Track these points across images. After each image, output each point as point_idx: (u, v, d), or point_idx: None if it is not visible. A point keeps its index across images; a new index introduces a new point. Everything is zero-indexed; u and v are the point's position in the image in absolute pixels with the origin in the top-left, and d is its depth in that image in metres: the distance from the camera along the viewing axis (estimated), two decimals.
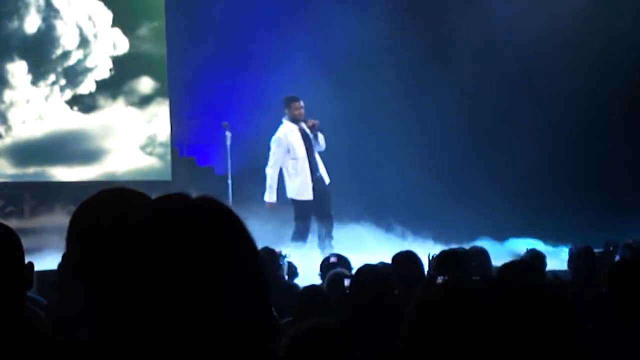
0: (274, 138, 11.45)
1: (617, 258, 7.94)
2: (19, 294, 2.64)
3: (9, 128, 13.01)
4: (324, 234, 11.37)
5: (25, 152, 13.06)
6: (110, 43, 13.54)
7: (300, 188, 11.40)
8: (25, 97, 13.11)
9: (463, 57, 13.78)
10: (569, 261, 7.52)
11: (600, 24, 13.45)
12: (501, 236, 12.02)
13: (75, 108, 13.35)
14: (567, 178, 13.46)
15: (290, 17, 13.77)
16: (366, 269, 5.23)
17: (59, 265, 2.33)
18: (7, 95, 13.02)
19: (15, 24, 13.07)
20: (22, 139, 13.06)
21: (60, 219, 10.13)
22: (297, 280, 7.95)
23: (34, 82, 13.16)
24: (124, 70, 13.60)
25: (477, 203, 12.62)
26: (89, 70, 13.44)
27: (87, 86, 13.42)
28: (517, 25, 13.47)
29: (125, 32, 13.61)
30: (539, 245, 10.71)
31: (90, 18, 13.43)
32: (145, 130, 13.70)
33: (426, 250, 6.89)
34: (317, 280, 7.05)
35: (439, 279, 5.47)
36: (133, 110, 13.65)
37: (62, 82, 13.31)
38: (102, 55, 13.49)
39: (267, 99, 12.40)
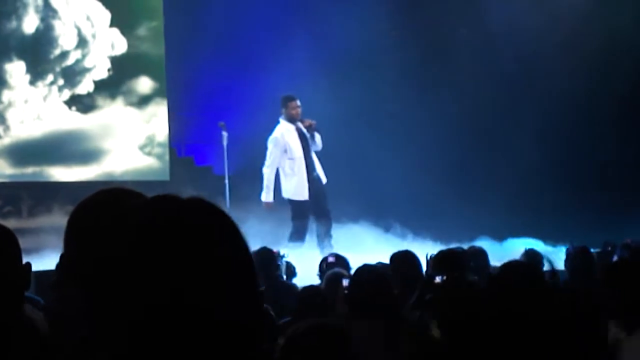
0: (271, 138, 11.45)
1: (615, 258, 7.95)
2: (17, 294, 2.64)
3: (7, 128, 13.00)
4: (322, 234, 11.37)
5: (24, 152, 13.05)
6: (108, 43, 13.54)
7: (297, 188, 11.40)
8: (24, 97, 13.10)
9: (463, 57, 13.78)
10: (566, 261, 7.53)
11: (600, 24, 13.45)
12: (501, 236, 12.02)
13: (74, 108, 13.34)
14: (567, 178, 13.46)
15: (289, 17, 13.77)
16: (365, 269, 5.23)
17: (57, 266, 2.33)
18: (6, 95, 13.01)
19: (13, 24, 13.06)
20: (21, 139, 13.06)
21: (59, 219, 10.12)
22: (296, 280, 7.95)
23: (33, 82, 13.15)
24: (123, 71, 13.60)
25: (477, 203, 12.62)
26: (87, 70, 13.44)
27: (85, 86, 13.42)
28: (517, 25, 13.47)
29: (123, 32, 13.61)
30: (538, 245, 10.71)
31: (88, 18, 13.43)
32: (143, 130, 13.70)
33: (426, 250, 6.89)
34: (316, 280, 7.05)
35: (437, 279, 5.47)
36: (131, 111, 13.65)
37: (61, 82, 13.30)
38: (100, 55, 13.49)
39: (265, 99, 12.40)
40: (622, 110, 13.59)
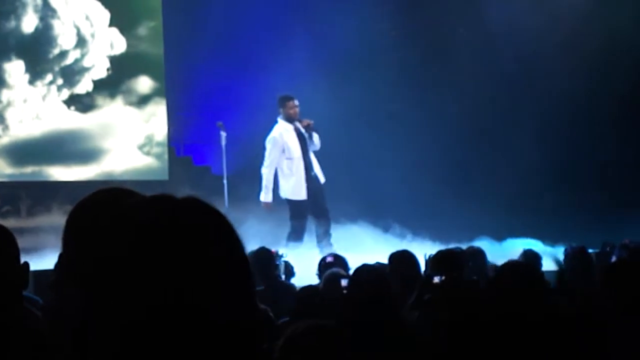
0: (269, 138, 11.44)
1: (613, 259, 7.94)
2: (15, 294, 2.64)
3: (6, 127, 13.00)
4: (321, 233, 11.37)
5: (23, 152, 13.05)
6: (107, 43, 13.54)
7: (295, 188, 11.39)
8: (23, 96, 13.10)
9: (463, 57, 13.78)
10: (564, 261, 7.53)
11: (600, 24, 13.45)
12: (500, 236, 12.02)
13: (73, 108, 13.34)
14: (566, 178, 13.47)
15: (289, 16, 13.77)
16: (364, 269, 5.23)
17: (56, 265, 2.33)
18: (5, 94, 13.01)
19: (12, 23, 13.06)
20: (20, 139, 13.05)
21: (58, 219, 10.11)
22: (294, 280, 7.94)
23: (32, 82, 13.15)
24: (122, 70, 13.60)
25: (476, 203, 12.62)
26: (87, 69, 13.43)
27: (84, 86, 13.42)
28: (517, 25, 13.47)
29: (122, 32, 13.61)
30: (537, 245, 10.71)
31: (87, 18, 13.43)
32: (142, 129, 13.70)
33: (425, 251, 6.90)
34: (315, 280, 7.05)
35: (436, 279, 5.48)
36: (130, 110, 13.65)
37: (60, 81, 13.30)
38: (99, 54, 13.49)
39: (264, 99, 12.39)
40: (621, 110, 13.59)
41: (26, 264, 2.70)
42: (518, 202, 12.98)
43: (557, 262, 7.51)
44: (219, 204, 11.62)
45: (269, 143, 11.42)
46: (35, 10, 13.16)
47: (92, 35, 13.46)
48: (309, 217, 11.55)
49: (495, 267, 5.90)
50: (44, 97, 13.21)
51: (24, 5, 13.09)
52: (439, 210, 12.50)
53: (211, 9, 13.52)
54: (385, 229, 12.11)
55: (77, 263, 2.06)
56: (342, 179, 12.21)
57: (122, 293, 1.32)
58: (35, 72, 13.17)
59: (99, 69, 13.49)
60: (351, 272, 5.73)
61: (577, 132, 13.55)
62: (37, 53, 13.19)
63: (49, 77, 13.25)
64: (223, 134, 11.77)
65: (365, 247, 10.79)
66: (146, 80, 13.77)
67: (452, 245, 8.55)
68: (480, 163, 13.56)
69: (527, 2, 13.88)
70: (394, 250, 6.78)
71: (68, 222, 2.26)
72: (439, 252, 6.37)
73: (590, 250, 8.10)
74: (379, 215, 12.26)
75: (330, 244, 11.17)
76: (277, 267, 7.52)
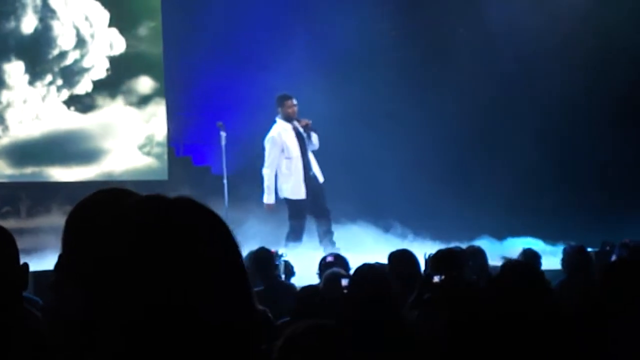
0: (268, 137, 11.43)
1: (613, 257, 7.94)
2: (15, 295, 2.64)
3: (6, 128, 13.00)
4: (323, 231, 11.36)
5: (23, 152, 13.05)
6: (107, 43, 13.54)
7: (294, 187, 11.39)
8: (23, 97, 13.10)
9: (462, 57, 13.77)
10: (563, 260, 7.54)
11: (599, 23, 13.44)
12: (500, 236, 12.02)
13: (72, 108, 13.34)
14: (566, 178, 13.47)
15: (288, 16, 13.77)
16: (364, 268, 5.23)
17: (56, 266, 2.32)
18: (4, 95, 13.01)
19: (12, 24, 13.06)
20: (19, 139, 13.06)
21: (57, 219, 10.10)
22: (294, 280, 7.95)
23: (31, 82, 13.15)
24: (121, 70, 13.59)
25: (477, 203, 12.63)
26: (86, 70, 13.43)
27: (84, 86, 13.42)
28: (516, 25, 13.46)
29: (122, 32, 13.61)
30: (538, 244, 10.71)
31: (87, 18, 13.43)
32: (142, 130, 13.70)
33: (426, 250, 6.89)
34: (315, 280, 7.05)
35: (436, 278, 5.47)
36: (130, 110, 13.65)
37: (59, 82, 13.30)
38: (99, 55, 13.49)
39: (264, 98, 12.38)
40: (621, 110, 13.58)
41: (26, 265, 2.70)
42: (518, 202, 12.98)
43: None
44: (219, 204, 11.63)
45: (267, 143, 11.41)
46: (35, 11, 13.16)
47: (92, 36, 13.46)
48: (310, 216, 11.55)
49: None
50: (43, 98, 13.21)
51: (23, 6, 13.09)
52: (440, 210, 12.49)
53: (211, 9, 13.51)
54: (386, 229, 12.12)
55: (76, 263, 2.06)
56: (342, 179, 12.21)
57: (118, 293, 1.32)
58: (35, 73, 13.17)
59: (99, 69, 13.49)
60: (352, 271, 5.73)
61: (577, 131, 13.55)
62: (37, 54, 13.19)
63: (49, 77, 13.25)
64: (223, 134, 11.76)
65: (365, 247, 10.79)
66: (146, 81, 13.77)
67: (452, 245, 8.56)
68: (480, 162, 13.55)
69: (526, 2, 13.88)
70: (394, 250, 6.78)
71: (67, 222, 2.26)
72: (439, 252, 6.37)
73: (590, 250, 8.11)
74: (380, 215, 12.26)
75: (333, 242, 11.19)
76: (276, 267, 7.52)
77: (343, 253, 8.13)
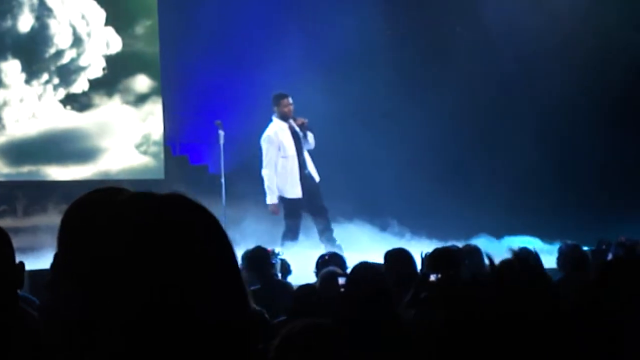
0: (264, 136, 11.41)
1: (610, 256, 7.95)
2: (10, 294, 2.63)
3: (2, 127, 12.99)
4: (322, 229, 11.36)
5: (19, 151, 13.04)
6: (103, 42, 13.53)
7: (290, 186, 11.38)
8: (19, 96, 13.08)
9: (460, 56, 13.76)
10: (558, 259, 7.54)
11: (599, 23, 13.44)
12: (498, 234, 12.02)
13: (69, 107, 13.33)
14: (565, 177, 13.47)
15: (284, 15, 13.75)
16: (361, 267, 5.23)
17: (52, 265, 2.32)
18: (1, 94, 13.00)
19: (8, 23, 13.04)
20: (16, 138, 13.04)
21: (54, 218, 10.10)
22: (291, 278, 7.95)
23: (28, 81, 13.13)
24: (118, 69, 13.58)
25: (474, 201, 12.63)
26: (83, 69, 13.42)
27: (80, 85, 13.41)
28: (516, 25, 13.45)
29: (118, 31, 13.59)
30: (536, 243, 10.71)
31: (83, 17, 13.41)
32: (139, 129, 13.69)
33: (423, 249, 6.89)
34: (312, 278, 7.05)
35: (432, 277, 5.48)
36: (127, 109, 13.64)
37: (56, 81, 13.29)
38: (95, 54, 13.48)
39: (260, 97, 12.37)
40: (620, 110, 13.58)
41: (21, 264, 2.69)
42: (516, 201, 12.98)
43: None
44: (216, 203, 11.61)
45: (264, 142, 11.40)
46: (31, 10, 13.14)
47: (88, 35, 13.45)
48: (307, 215, 11.55)
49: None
50: (40, 97, 13.20)
51: (20, 5, 13.08)
52: (437, 208, 12.50)
53: (206, 8, 13.50)
54: (384, 228, 12.12)
55: (72, 263, 2.06)
56: (340, 178, 12.21)
57: (113, 292, 1.32)
58: (31, 72, 13.15)
59: (95, 68, 13.48)
60: (348, 270, 5.73)
61: (576, 131, 13.55)
62: (33, 52, 13.17)
63: (45, 76, 13.24)
64: (221, 133, 11.74)
65: (362, 245, 10.79)
66: (142, 79, 13.76)
67: (450, 244, 8.56)
68: (478, 162, 13.55)
69: (526, 2, 13.88)
70: (391, 249, 6.78)
71: (63, 221, 2.26)
72: (436, 250, 6.38)
73: (586, 248, 8.11)
74: (377, 214, 12.26)
75: (334, 239, 11.20)
76: (273, 265, 7.52)
77: (339, 251, 8.14)
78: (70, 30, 13.35)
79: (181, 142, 14.35)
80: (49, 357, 2.34)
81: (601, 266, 4.60)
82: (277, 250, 8.13)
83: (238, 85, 13.54)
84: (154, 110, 13.78)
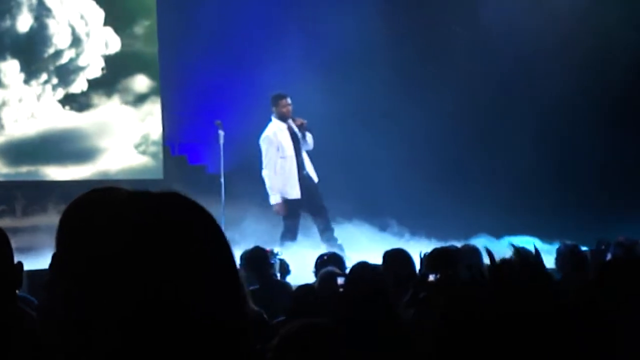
0: (263, 137, 11.42)
1: (609, 256, 7.95)
2: (9, 293, 2.63)
3: (1, 127, 12.98)
4: (322, 229, 11.37)
5: (18, 151, 13.03)
6: (102, 42, 13.52)
7: (288, 187, 11.38)
8: (18, 96, 13.08)
9: (459, 56, 13.76)
10: (556, 259, 7.54)
11: (598, 23, 13.43)
12: (497, 234, 12.02)
13: (68, 107, 13.33)
14: (564, 177, 13.46)
15: (283, 14, 13.75)
16: (360, 267, 5.23)
17: (50, 265, 2.32)
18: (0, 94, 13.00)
19: (7, 22, 13.04)
20: (15, 138, 13.04)
21: (53, 218, 10.07)
22: (290, 278, 7.95)
23: (26, 81, 13.13)
24: (116, 69, 13.58)
25: (474, 201, 12.62)
26: (81, 69, 13.42)
27: (79, 85, 13.40)
28: (515, 24, 13.45)
29: (117, 31, 13.59)
30: (536, 243, 10.70)
31: (82, 17, 13.41)
32: (138, 129, 13.69)
33: (422, 249, 6.89)
34: (311, 277, 7.05)
35: (431, 277, 5.48)
36: (126, 109, 13.64)
37: (55, 80, 13.28)
38: (94, 54, 13.47)
39: (259, 97, 12.37)
40: (619, 110, 13.58)
41: (20, 264, 2.69)
42: (516, 201, 12.98)
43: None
44: (215, 203, 11.61)
45: (263, 143, 11.40)
46: (30, 10, 13.14)
47: (87, 35, 13.44)
48: (307, 216, 11.55)
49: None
50: (39, 97, 13.20)
51: (18, 5, 13.07)
52: (437, 208, 12.49)
53: (205, 8, 13.49)
54: (383, 228, 12.12)
55: (70, 262, 2.06)
56: (339, 178, 12.20)
57: (109, 291, 1.32)
58: (30, 72, 13.15)
59: (94, 68, 13.47)
60: (347, 270, 5.73)
61: (575, 131, 13.54)
62: (32, 52, 13.17)
63: (44, 76, 13.23)
64: (221, 133, 11.73)
65: (361, 245, 10.79)
66: (142, 79, 13.76)
67: (450, 244, 8.56)
68: (478, 162, 13.55)
69: (525, 2, 13.87)
70: (389, 249, 6.78)
71: (61, 221, 2.26)
72: (434, 250, 6.38)
73: (584, 248, 8.10)
74: (376, 214, 12.26)
75: (335, 238, 11.21)
76: (272, 265, 7.52)
77: (339, 251, 8.14)
78: (69, 30, 13.35)
79: (180, 142, 14.35)
80: (48, 357, 2.34)
81: (600, 266, 4.60)
82: (275, 250, 8.14)
83: (237, 85, 13.53)
84: (153, 110, 13.78)
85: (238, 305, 1.37)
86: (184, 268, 1.33)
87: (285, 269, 8.14)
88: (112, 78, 13.56)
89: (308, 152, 11.61)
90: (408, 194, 12.67)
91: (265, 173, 11.37)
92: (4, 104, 13.00)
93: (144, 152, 13.68)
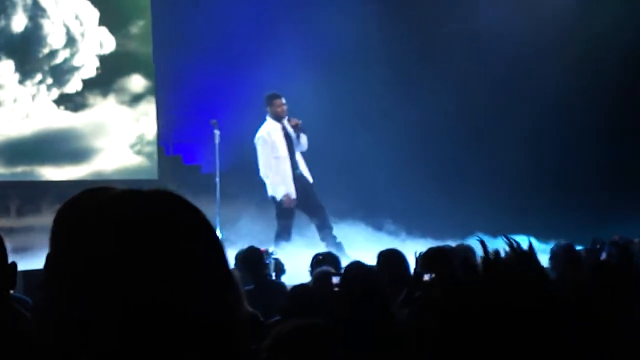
0: (257, 137, 11.42)
1: (603, 255, 7.96)
2: (3, 294, 2.63)
3: None
4: (320, 228, 11.37)
5: (13, 151, 13.02)
6: (97, 42, 13.51)
7: (282, 186, 11.37)
8: (12, 96, 13.06)
9: (456, 56, 13.77)
10: (550, 259, 7.54)
11: (593, 23, 13.45)
12: (494, 234, 11.98)
13: (62, 107, 13.31)
14: (560, 176, 13.48)
15: (279, 14, 13.74)
16: (354, 266, 5.23)
17: (45, 265, 2.32)
18: None
19: (2, 23, 13.02)
20: (10, 138, 13.02)
21: (48, 219, 9.99)
22: (285, 278, 7.95)
23: (21, 81, 13.11)
24: (111, 69, 13.57)
25: (470, 201, 12.62)
26: (76, 69, 13.40)
27: (74, 85, 13.39)
28: (510, 24, 13.46)
29: (112, 31, 13.58)
30: (531, 242, 10.68)
31: (77, 17, 13.40)
32: (133, 129, 13.68)
33: (418, 248, 6.90)
34: (306, 277, 7.05)
35: (426, 277, 5.48)
36: (120, 109, 13.63)
37: (49, 81, 13.27)
38: (89, 54, 13.46)
39: (255, 97, 12.36)
40: (614, 109, 13.59)
41: (14, 264, 2.69)
42: (512, 201, 12.98)
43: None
44: (210, 203, 11.59)
45: (258, 143, 11.41)
46: (25, 10, 13.12)
47: (82, 35, 13.43)
48: (304, 215, 11.55)
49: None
50: (33, 97, 13.18)
51: (13, 5, 13.06)
52: (433, 208, 12.49)
53: (200, 7, 13.49)
54: (379, 228, 12.12)
55: (64, 263, 2.06)
56: (334, 177, 12.20)
57: (105, 291, 1.32)
58: (25, 72, 13.13)
59: (89, 68, 13.46)
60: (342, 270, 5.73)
61: (571, 130, 13.56)
62: (27, 52, 13.16)
63: (39, 76, 13.22)
64: (217, 132, 11.72)
65: (357, 245, 10.79)
66: (137, 79, 13.75)
67: (445, 243, 8.56)
68: (474, 161, 13.55)
69: (520, 1, 13.88)
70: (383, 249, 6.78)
71: (55, 221, 2.26)
72: (429, 250, 6.39)
73: (579, 248, 8.12)
74: (372, 214, 12.26)
75: (334, 237, 11.22)
76: (266, 265, 7.52)
77: (336, 251, 8.14)
78: (64, 30, 13.34)
79: (174, 142, 14.33)
80: (43, 358, 2.34)
81: (594, 266, 4.61)
82: (270, 249, 8.14)
83: (232, 85, 13.52)
84: (148, 110, 13.76)
85: (231, 306, 1.37)
86: (176, 267, 1.33)
87: (280, 268, 8.13)
88: (107, 78, 13.55)
89: (303, 153, 11.60)
90: (404, 194, 12.67)
91: (263, 173, 11.37)
92: None
93: (138, 152, 13.67)
